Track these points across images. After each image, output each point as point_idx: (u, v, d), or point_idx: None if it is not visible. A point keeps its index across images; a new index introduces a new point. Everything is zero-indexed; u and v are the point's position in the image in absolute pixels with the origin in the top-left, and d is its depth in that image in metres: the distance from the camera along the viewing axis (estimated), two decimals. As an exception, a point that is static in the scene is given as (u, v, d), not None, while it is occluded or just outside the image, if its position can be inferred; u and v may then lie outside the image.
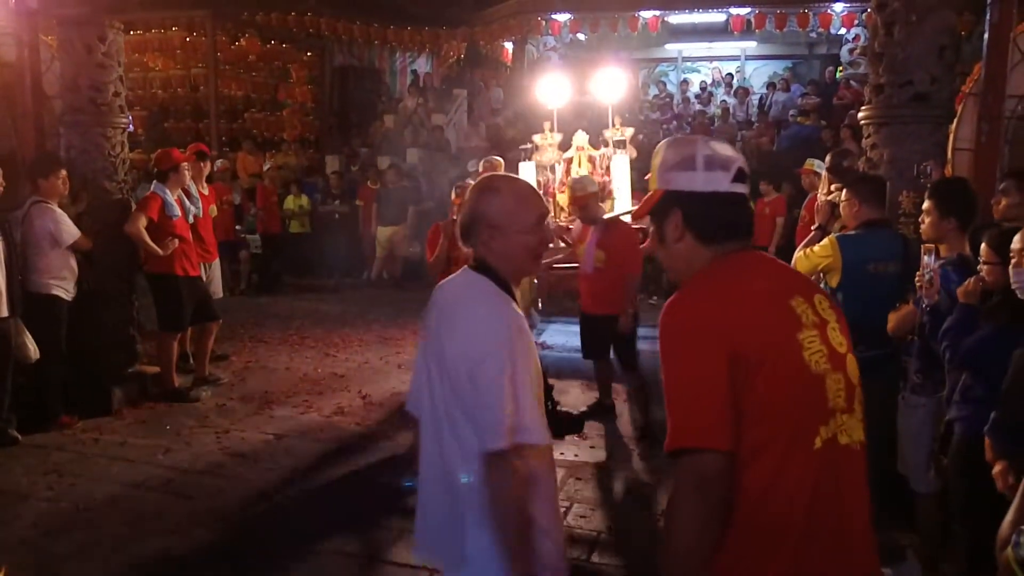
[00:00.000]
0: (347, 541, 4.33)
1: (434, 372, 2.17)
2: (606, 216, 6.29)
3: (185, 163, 6.86)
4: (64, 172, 6.12)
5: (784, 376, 1.63)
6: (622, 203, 8.02)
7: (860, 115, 5.14)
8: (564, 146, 8.48)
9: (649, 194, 1.91)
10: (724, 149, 1.84)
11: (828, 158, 5.42)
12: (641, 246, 5.86)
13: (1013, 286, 2.94)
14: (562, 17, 14.43)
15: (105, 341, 6.57)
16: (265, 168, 13.65)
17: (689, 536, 1.59)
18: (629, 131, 8.34)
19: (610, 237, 5.82)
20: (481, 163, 7.02)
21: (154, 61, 15.55)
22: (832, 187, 5.00)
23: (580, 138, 8.46)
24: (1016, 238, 2.93)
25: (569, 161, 8.52)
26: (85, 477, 5.14)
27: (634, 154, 8.30)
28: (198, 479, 5.16)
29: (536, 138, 8.49)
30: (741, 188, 1.83)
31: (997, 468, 2.85)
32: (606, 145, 8.38)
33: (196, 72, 15.46)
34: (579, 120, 10.27)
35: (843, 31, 15.45)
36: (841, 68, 16.46)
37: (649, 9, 13.83)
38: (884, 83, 4.80)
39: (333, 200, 13.36)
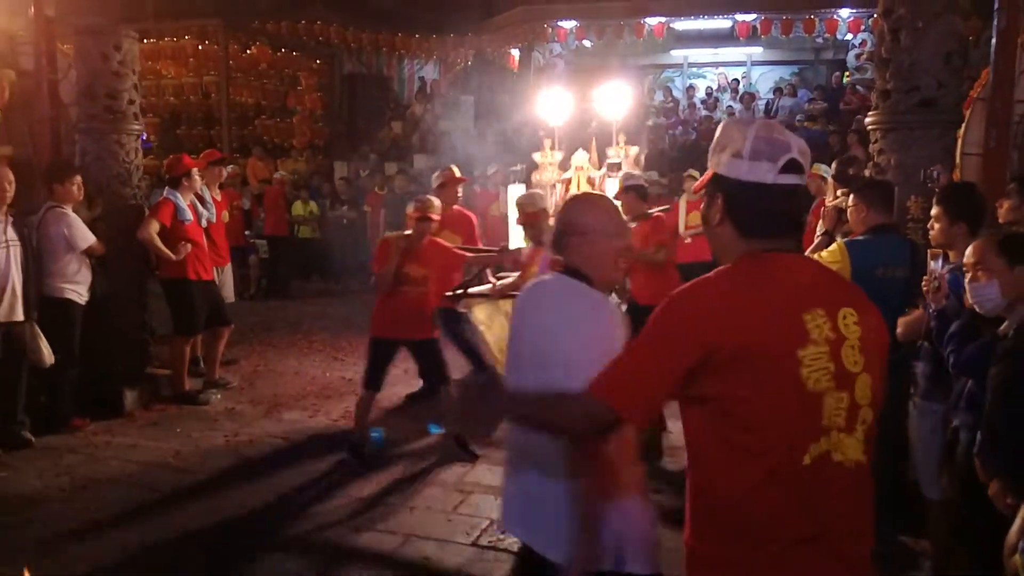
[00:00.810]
0: (356, 540, 4.38)
1: (525, 366, 2.44)
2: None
3: (196, 169, 6.94)
4: (79, 178, 6.19)
5: (773, 390, 1.62)
6: None
7: (867, 120, 5.17)
8: (566, 165, 8.06)
9: (708, 171, 1.87)
10: (778, 137, 1.77)
11: (833, 165, 5.45)
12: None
13: (971, 301, 2.95)
14: (568, 24, 14.51)
15: (118, 344, 6.62)
16: (276, 175, 13.75)
17: (546, 419, 1.88)
18: (634, 150, 7.90)
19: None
20: (435, 176, 6.84)
21: (167, 69, 15.70)
22: (838, 192, 5.04)
23: (580, 158, 7.97)
24: (968, 251, 2.94)
25: (568, 183, 7.93)
26: (97, 479, 5.20)
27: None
28: (208, 481, 5.21)
29: (536, 156, 7.96)
30: (791, 180, 1.75)
31: (992, 488, 2.83)
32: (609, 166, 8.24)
33: (208, 80, 15.60)
34: (583, 129, 10.15)
35: (849, 36, 15.48)
36: (848, 73, 16.47)
37: (655, 16, 13.90)
38: (891, 88, 4.84)
39: (341, 206, 13.44)
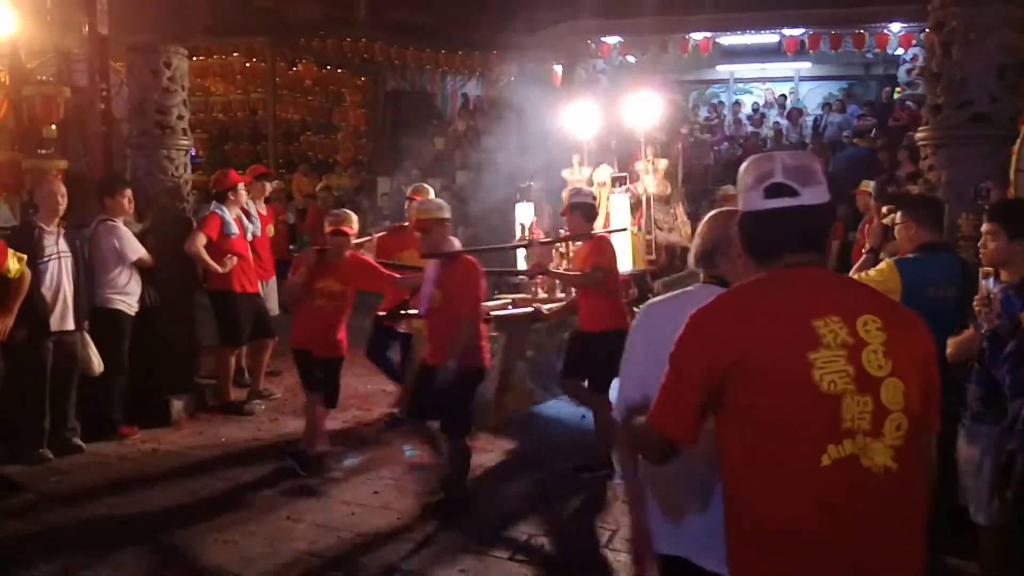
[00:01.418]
0: (396, 548, 4.38)
1: (650, 378, 2.42)
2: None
3: (242, 184, 7.04)
4: (129, 191, 6.32)
5: (785, 392, 1.69)
6: (620, 246, 7.09)
7: (917, 136, 5.10)
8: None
9: None
10: (763, 164, 1.87)
11: (874, 184, 5.36)
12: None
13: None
14: (612, 40, 14.49)
15: (165, 355, 6.73)
16: (317, 189, 13.91)
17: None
18: (663, 163, 7.84)
19: (450, 273, 4.91)
20: (409, 189, 6.89)
21: (216, 86, 16.01)
22: (884, 209, 4.95)
23: (603, 173, 7.88)
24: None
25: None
26: (144, 485, 5.28)
27: (658, 189, 7.87)
28: (251, 490, 5.27)
29: (564, 174, 8.03)
30: (781, 203, 1.81)
31: None
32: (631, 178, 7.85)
33: (255, 96, 15.88)
34: (626, 145, 10.02)
35: (900, 51, 15.23)
36: (899, 89, 16.21)
37: (700, 31, 13.81)
38: (942, 103, 4.76)
39: (384, 220, 13.54)
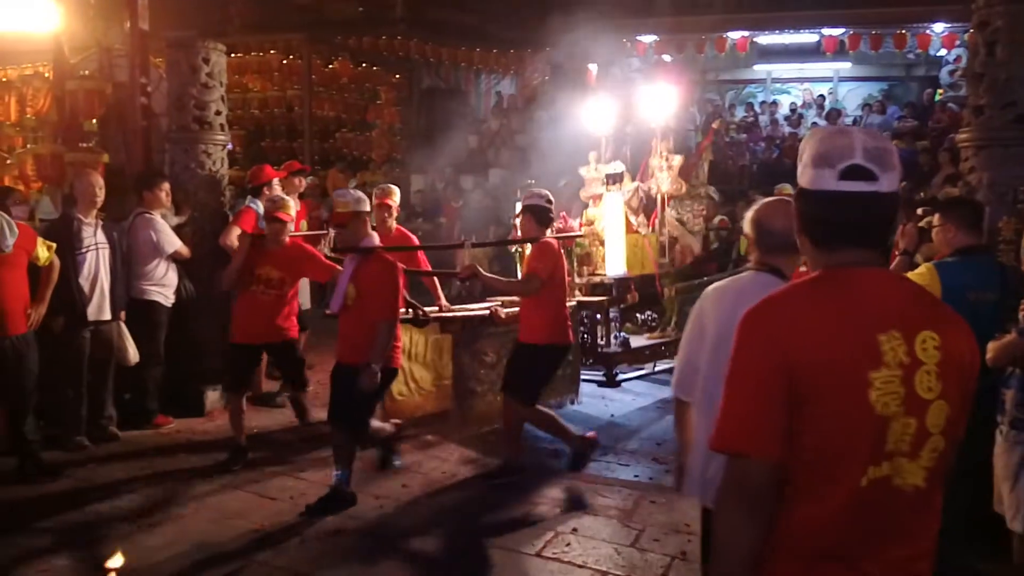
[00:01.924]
0: (425, 541, 4.42)
1: (704, 361, 2.61)
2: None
3: (277, 179, 7.10)
4: (167, 185, 6.42)
5: (839, 411, 1.57)
6: (613, 251, 7.05)
7: (959, 137, 5.01)
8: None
9: None
10: (841, 140, 1.68)
11: (901, 189, 5.27)
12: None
13: None
14: (648, 39, 14.41)
15: (200, 346, 6.82)
16: (351, 186, 14.01)
17: (728, 536, 1.63)
18: (677, 159, 7.47)
19: (366, 270, 4.74)
20: (375, 190, 6.53)
21: (253, 83, 16.15)
22: (920, 211, 4.88)
23: (613, 168, 7.62)
24: None
25: (598, 198, 7.64)
26: (177, 474, 5.35)
27: (673, 187, 7.48)
28: (280, 480, 5.33)
29: (582, 171, 7.83)
30: (857, 187, 1.64)
31: None
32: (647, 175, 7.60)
33: (291, 93, 15.99)
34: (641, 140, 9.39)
35: (943, 52, 14.99)
36: (941, 91, 15.95)
37: (738, 29, 13.69)
38: (984, 104, 4.68)
39: (417, 218, 13.60)
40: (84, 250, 5.73)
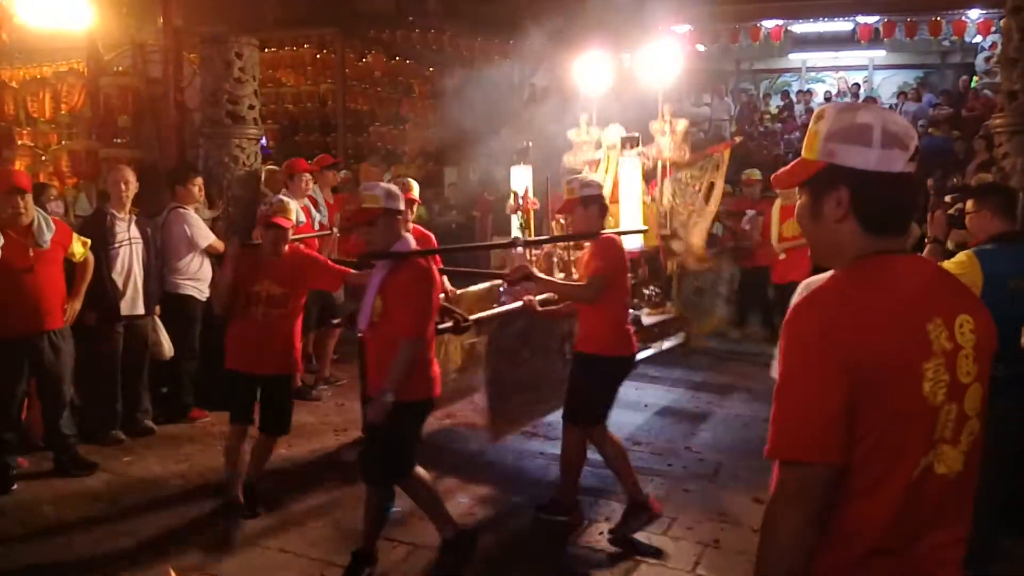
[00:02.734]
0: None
1: None
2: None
3: (307, 173, 7.12)
4: (200, 180, 6.47)
5: (898, 407, 1.54)
6: (629, 217, 6.17)
7: (993, 123, 4.91)
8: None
9: (802, 161, 1.73)
10: (900, 121, 1.66)
11: (930, 181, 5.17)
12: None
13: None
14: (681, 28, 14.27)
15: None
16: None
17: (785, 546, 1.56)
18: (681, 123, 6.56)
19: (395, 279, 3.88)
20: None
21: (287, 77, 16.28)
22: (949, 198, 4.79)
23: (612, 134, 6.72)
24: None
25: (595, 164, 6.84)
26: (212, 467, 5.41)
27: (676, 154, 6.59)
28: (316, 472, 5.39)
29: (571, 134, 7.15)
30: (913, 168, 1.65)
31: None
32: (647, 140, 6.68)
33: (325, 88, 16.09)
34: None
35: (979, 39, 14.70)
36: (977, 77, 15.65)
37: (772, 18, 13.51)
38: (1018, 90, 4.59)
39: (450, 211, 13.65)
40: (117, 245, 5.81)
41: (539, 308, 4.98)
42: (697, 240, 6.69)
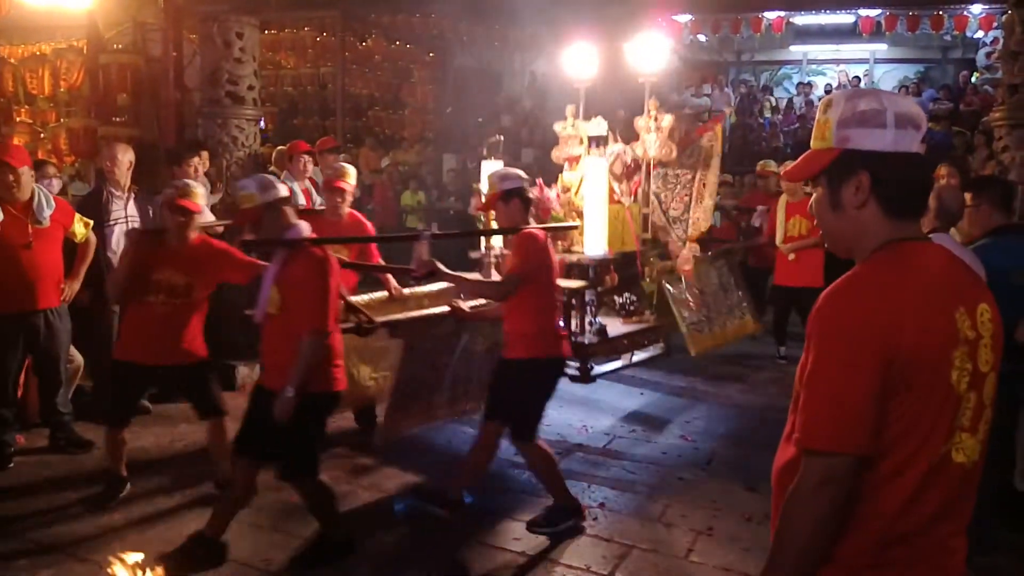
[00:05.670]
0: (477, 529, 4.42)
1: None
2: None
3: (305, 156, 7.08)
4: (197, 158, 6.37)
5: (928, 396, 1.55)
6: (594, 227, 5.63)
7: (992, 116, 4.93)
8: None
9: (814, 152, 1.71)
10: (909, 102, 1.67)
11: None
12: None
13: None
14: (682, 18, 14.25)
15: (231, 321, 6.88)
16: (383, 164, 14.06)
17: (806, 534, 1.58)
18: (667, 119, 6.19)
19: (291, 268, 3.74)
20: (327, 172, 6.00)
21: (287, 60, 16.23)
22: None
23: (596, 127, 6.36)
24: None
25: (574, 160, 6.43)
26: (207, 447, 5.42)
27: (662, 152, 6.17)
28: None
29: (557, 127, 6.78)
30: (924, 150, 1.68)
31: None
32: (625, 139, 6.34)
33: (325, 71, 16.05)
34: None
35: (980, 34, 14.71)
36: (978, 73, 15.66)
37: (774, 10, 13.50)
38: (1019, 83, 4.59)
39: (448, 197, 13.64)
40: (112, 222, 5.78)
41: (466, 310, 4.79)
42: (702, 226, 6.41)
